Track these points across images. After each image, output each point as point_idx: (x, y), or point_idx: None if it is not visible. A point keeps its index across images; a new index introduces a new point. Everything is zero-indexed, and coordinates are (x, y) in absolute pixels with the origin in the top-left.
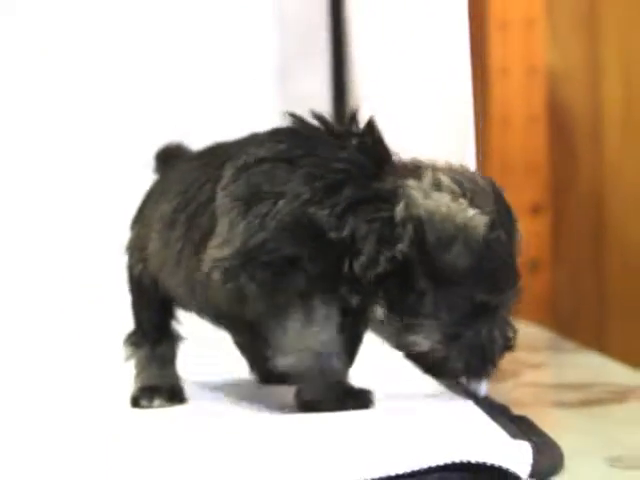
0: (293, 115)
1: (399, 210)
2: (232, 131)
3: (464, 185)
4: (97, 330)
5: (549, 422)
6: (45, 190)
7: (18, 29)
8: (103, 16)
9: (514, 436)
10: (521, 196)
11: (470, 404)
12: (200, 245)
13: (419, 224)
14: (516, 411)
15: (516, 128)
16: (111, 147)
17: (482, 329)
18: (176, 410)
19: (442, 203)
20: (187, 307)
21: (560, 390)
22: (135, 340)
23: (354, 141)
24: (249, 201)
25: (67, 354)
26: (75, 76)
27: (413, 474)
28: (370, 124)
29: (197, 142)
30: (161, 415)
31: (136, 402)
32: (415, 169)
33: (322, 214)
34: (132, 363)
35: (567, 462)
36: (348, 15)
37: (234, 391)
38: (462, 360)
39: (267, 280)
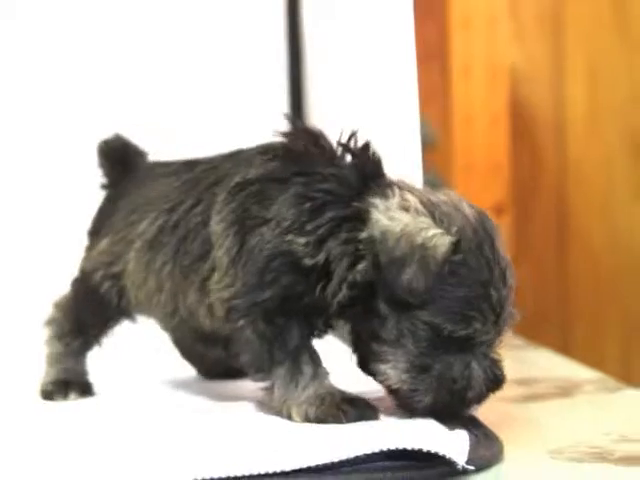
0: (285, 134)
1: (364, 231)
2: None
3: (436, 206)
4: None
5: (493, 416)
6: (45, 189)
7: (18, 33)
8: (112, 25)
9: (453, 428)
10: (484, 196)
11: None
12: (189, 269)
13: (374, 244)
14: None
15: (479, 128)
16: None
17: (455, 363)
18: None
19: (399, 222)
20: (160, 323)
21: (507, 385)
22: (61, 330)
23: (348, 158)
24: (243, 227)
25: None
26: (81, 82)
27: (350, 462)
28: (367, 144)
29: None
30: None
31: (48, 395)
32: (386, 188)
33: (299, 242)
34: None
35: (508, 454)
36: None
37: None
38: (431, 394)
39: (265, 335)
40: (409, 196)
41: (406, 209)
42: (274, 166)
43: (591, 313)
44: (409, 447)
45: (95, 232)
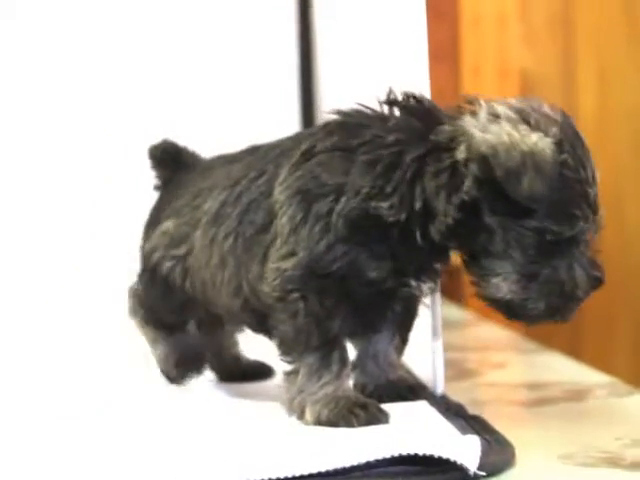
0: (338, 111)
1: (459, 153)
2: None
3: (523, 111)
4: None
5: (504, 421)
6: (46, 186)
7: (18, 33)
8: (119, 22)
9: (464, 433)
10: None
11: (424, 403)
12: (252, 241)
13: (483, 161)
14: (473, 410)
15: None
16: (121, 145)
17: (560, 266)
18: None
19: (503, 134)
20: (216, 306)
21: (518, 389)
22: (144, 317)
23: (399, 110)
24: (308, 195)
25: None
26: (90, 81)
27: (360, 467)
28: (408, 96)
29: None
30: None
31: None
32: (470, 108)
33: (383, 206)
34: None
35: (519, 459)
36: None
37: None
38: (542, 300)
39: (313, 313)
40: (497, 107)
41: (497, 119)
42: (338, 138)
43: (602, 316)
44: (420, 453)
45: (153, 222)
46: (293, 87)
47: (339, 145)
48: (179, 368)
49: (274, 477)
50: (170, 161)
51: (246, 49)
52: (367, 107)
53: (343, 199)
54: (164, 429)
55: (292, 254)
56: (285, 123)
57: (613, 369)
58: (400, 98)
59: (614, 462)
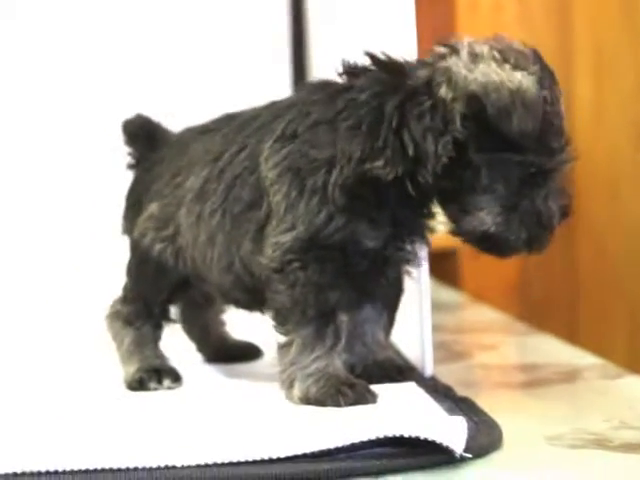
0: (305, 84)
1: (443, 92)
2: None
3: (503, 51)
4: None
5: (493, 402)
6: (42, 181)
7: (18, 32)
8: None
9: (452, 414)
10: None
11: (412, 384)
12: (241, 218)
13: (474, 99)
14: (463, 392)
15: None
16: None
17: (537, 196)
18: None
19: (491, 73)
20: (208, 284)
21: (508, 371)
22: (128, 318)
23: (364, 72)
24: (301, 172)
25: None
26: (88, 75)
27: (346, 448)
28: (371, 55)
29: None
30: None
31: (142, 384)
32: (449, 48)
33: (378, 165)
34: (118, 340)
35: (507, 440)
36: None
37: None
38: (523, 231)
39: (312, 283)
40: (476, 46)
41: (481, 59)
42: (316, 114)
43: (598, 301)
44: (406, 434)
45: (134, 204)
46: (284, 56)
47: (319, 120)
48: (154, 374)
49: (258, 458)
50: (144, 137)
51: (239, 23)
52: (331, 81)
53: (336, 169)
54: (150, 410)
55: (291, 229)
56: (277, 91)
57: (608, 353)
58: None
59: (602, 444)
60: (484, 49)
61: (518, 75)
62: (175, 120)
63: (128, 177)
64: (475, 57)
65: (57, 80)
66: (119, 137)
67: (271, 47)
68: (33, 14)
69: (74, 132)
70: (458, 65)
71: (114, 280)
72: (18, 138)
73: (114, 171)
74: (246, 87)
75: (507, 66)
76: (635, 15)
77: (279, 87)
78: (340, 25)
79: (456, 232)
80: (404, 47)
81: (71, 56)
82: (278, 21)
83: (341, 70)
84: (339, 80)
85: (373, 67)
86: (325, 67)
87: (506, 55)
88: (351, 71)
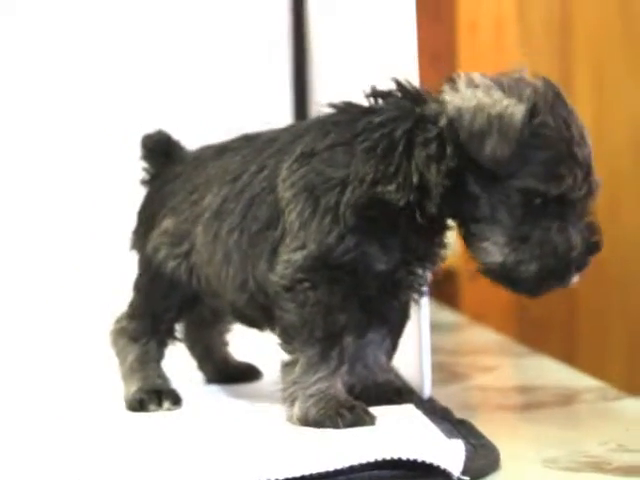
0: (330, 105)
1: (443, 120)
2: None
3: (502, 80)
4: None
5: (491, 425)
6: (43, 183)
7: (18, 29)
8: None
9: (450, 437)
10: None
11: (410, 407)
12: (258, 238)
13: (451, 124)
14: (460, 414)
15: None
16: (116, 141)
17: (551, 227)
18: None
19: (472, 97)
20: (221, 301)
21: (506, 393)
22: (133, 334)
23: (385, 97)
24: (316, 190)
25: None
26: (85, 76)
27: (344, 471)
28: (397, 81)
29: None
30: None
31: (142, 405)
32: (451, 78)
33: (390, 190)
34: (122, 356)
35: (503, 463)
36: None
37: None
38: (535, 262)
39: (321, 304)
40: (474, 76)
41: (475, 86)
42: (335, 135)
43: (596, 323)
44: (404, 457)
45: (147, 220)
46: (285, 78)
47: (338, 141)
48: (154, 396)
49: None
50: (161, 153)
51: (240, 42)
52: (354, 104)
53: (349, 189)
54: (151, 428)
55: (302, 247)
56: (278, 115)
57: (607, 375)
58: (385, 88)
59: (599, 467)
60: (479, 78)
61: (505, 102)
62: (175, 120)
63: (130, 180)
64: (470, 85)
65: (63, 85)
66: (117, 141)
67: (271, 66)
68: (48, 28)
69: (76, 134)
70: (450, 91)
71: (113, 280)
72: (20, 139)
73: (115, 174)
74: (245, 94)
75: (498, 92)
76: (635, 36)
77: (279, 105)
78: (342, 44)
79: (478, 269)
80: (405, 66)
81: (71, 56)
82: (279, 41)
83: (368, 92)
84: (363, 103)
85: (397, 92)
86: (326, 88)
87: (501, 82)
88: (376, 94)
